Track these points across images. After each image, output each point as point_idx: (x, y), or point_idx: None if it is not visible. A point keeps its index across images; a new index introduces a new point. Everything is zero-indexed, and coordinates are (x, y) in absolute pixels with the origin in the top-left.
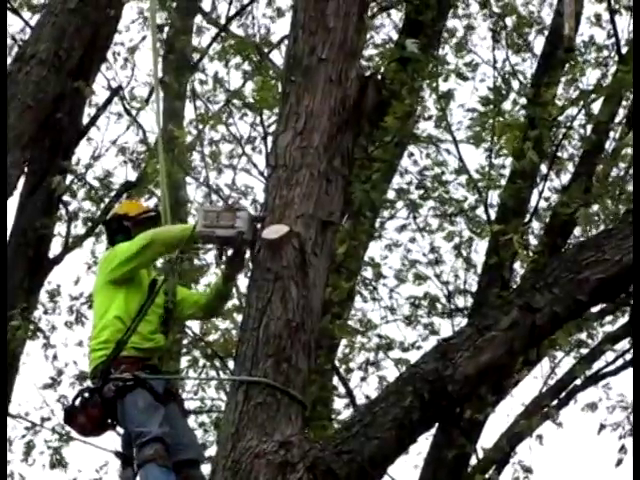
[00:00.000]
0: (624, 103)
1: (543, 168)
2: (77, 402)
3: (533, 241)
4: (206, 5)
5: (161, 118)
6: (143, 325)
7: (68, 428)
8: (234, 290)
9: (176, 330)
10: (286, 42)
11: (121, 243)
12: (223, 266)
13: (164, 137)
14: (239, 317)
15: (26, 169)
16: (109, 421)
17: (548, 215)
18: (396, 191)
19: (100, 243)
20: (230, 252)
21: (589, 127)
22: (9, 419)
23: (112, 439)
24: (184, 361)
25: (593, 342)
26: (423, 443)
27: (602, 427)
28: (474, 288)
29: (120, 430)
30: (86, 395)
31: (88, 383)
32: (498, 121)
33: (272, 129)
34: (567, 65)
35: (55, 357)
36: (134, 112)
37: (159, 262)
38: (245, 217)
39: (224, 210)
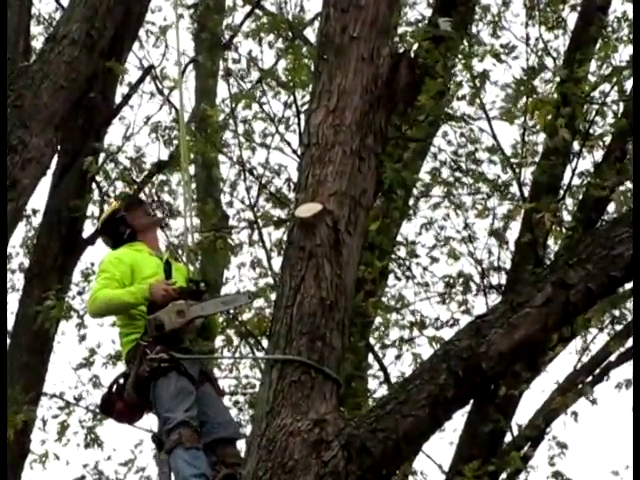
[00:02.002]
0: None
1: (576, 145)
2: (113, 389)
3: (567, 217)
4: None
5: (191, 97)
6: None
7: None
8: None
9: None
10: (318, 20)
11: (106, 257)
12: None
13: (195, 116)
14: (273, 295)
15: (59, 148)
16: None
17: (581, 191)
18: (430, 173)
19: None
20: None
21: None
22: (44, 398)
23: (147, 418)
24: (218, 340)
25: (627, 318)
26: (458, 420)
27: None
28: (508, 265)
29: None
30: (121, 381)
31: (121, 364)
32: (531, 97)
33: (305, 107)
34: (600, 41)
35: (84, 338)
36: (166, 91)
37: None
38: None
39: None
